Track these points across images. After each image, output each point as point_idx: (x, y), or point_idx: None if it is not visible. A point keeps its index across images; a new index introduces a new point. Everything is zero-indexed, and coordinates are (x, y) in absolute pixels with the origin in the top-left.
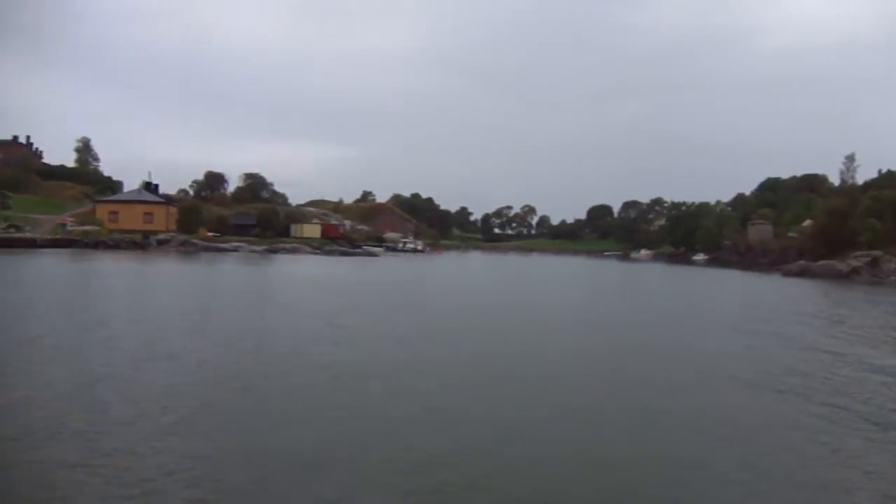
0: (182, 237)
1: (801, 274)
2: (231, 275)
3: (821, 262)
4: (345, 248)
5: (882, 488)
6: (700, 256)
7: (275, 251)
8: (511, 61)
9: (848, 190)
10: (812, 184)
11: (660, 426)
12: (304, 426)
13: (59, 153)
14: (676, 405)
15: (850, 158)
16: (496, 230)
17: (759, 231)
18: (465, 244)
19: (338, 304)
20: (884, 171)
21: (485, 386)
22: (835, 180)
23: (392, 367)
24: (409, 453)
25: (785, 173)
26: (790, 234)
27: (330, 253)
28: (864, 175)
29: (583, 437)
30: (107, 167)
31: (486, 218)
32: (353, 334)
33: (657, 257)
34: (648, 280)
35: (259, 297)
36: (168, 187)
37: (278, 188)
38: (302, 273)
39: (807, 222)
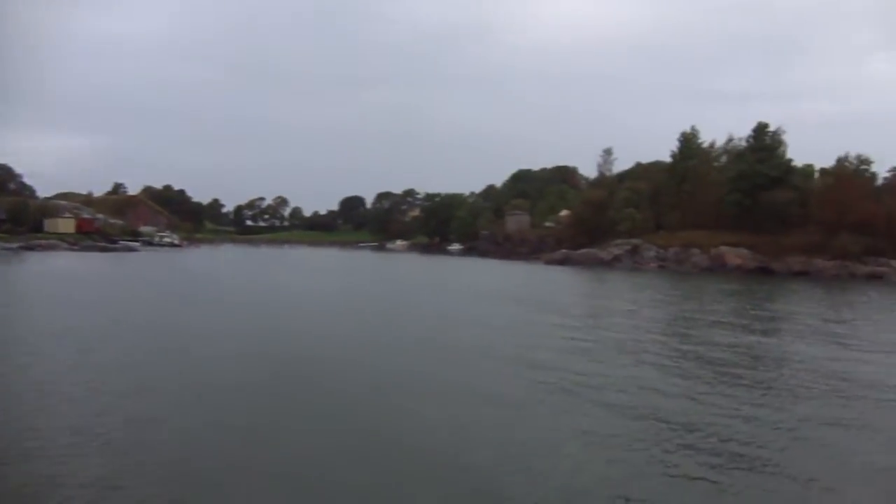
0: None
1: (564, 262)
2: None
3: (582, 251)
4: (103, 244)
5: None
6: (455, 246)
7: (31, 248)
8: (260, 50)
9: (605, 181)
10: (563, 175)
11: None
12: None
13: None
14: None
15: (608, 152)
16: (249, 222)
17: (517, 221)
18: (218, 237)
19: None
20: (639, 163)
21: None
22: (585, 172)
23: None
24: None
25: (535, 165)
26: (547, 224)
27: (88, 249)
28: (619, 167)
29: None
30: None
31: (239, 210)
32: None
33: (412, 247)
34: (418, 269)
35: (54, 300)
36: None
37: (26, 180)
38: (75, 271)
39: (563, 212)
